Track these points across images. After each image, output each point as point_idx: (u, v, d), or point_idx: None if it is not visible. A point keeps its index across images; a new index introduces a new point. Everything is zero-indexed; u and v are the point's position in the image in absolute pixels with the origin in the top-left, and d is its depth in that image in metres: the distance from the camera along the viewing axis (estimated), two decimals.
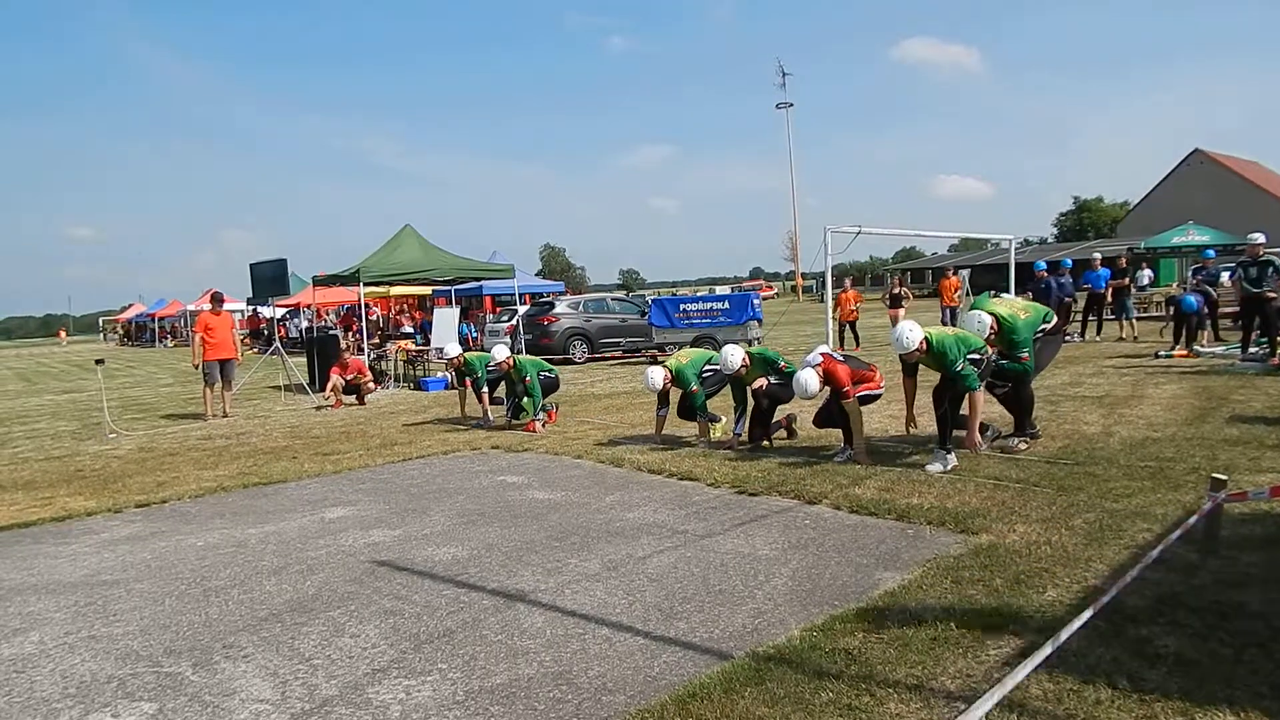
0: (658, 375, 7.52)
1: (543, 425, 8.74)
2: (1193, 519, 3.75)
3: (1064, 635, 2.83)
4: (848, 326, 17.60)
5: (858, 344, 17.11)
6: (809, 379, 6.31)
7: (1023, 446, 6.15)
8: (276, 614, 3.81)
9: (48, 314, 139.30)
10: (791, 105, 36.22)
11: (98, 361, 12.13)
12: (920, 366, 6.17)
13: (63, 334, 76.60)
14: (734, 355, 7.21)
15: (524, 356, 9.61)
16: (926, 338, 5.83)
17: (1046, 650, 2.75)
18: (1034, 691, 2.63)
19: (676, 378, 7.57)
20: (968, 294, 29.07)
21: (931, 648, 2.99)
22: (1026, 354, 6.18)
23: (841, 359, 6.55)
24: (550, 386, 9.10)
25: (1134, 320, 15.73)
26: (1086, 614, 2.96)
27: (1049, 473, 5.41)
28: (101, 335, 73.22)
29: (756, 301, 16.94)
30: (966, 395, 5.82)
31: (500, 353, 9.06)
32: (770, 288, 75.55)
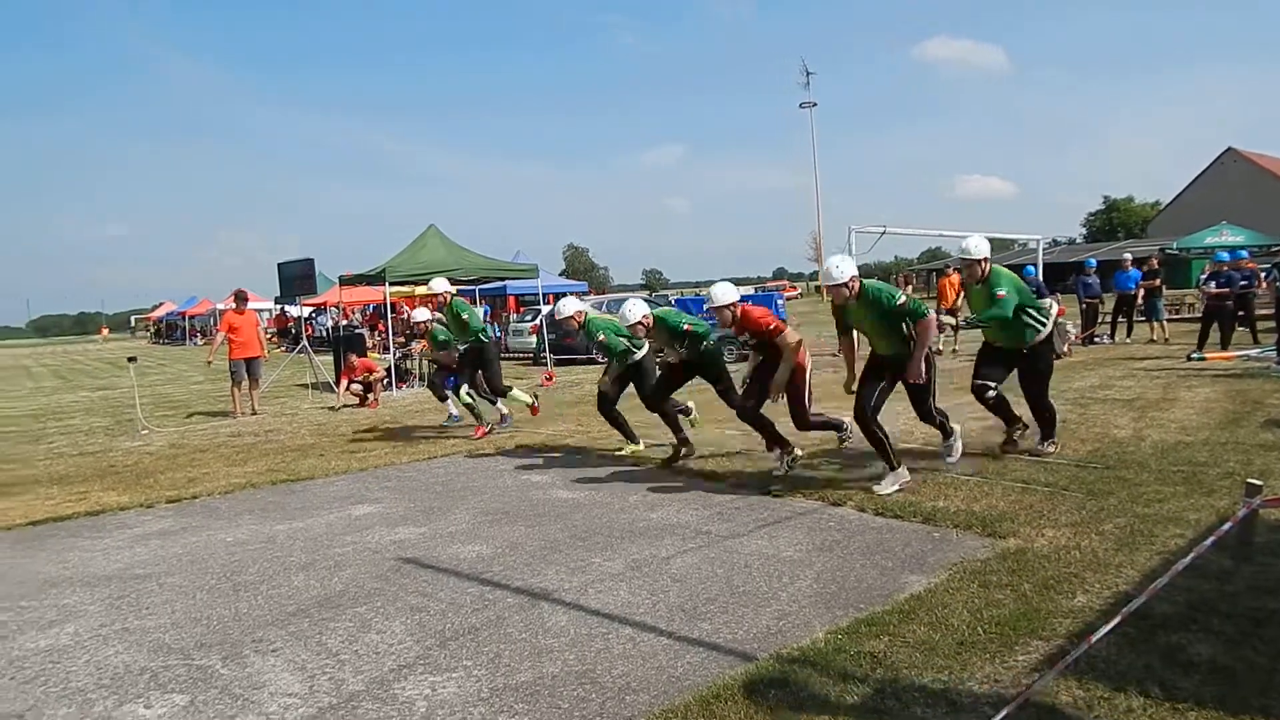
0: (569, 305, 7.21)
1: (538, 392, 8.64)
2: (1227, 525, 3.67)
3: (1093, 639, 2.80)
4: None
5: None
6: (723, 287, 5.89)
7: (1051, 450, 6.02)
8: (304, 609, 3.86)
9: (81, 312, 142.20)
10: (815, 105, 36.06)
11: (130, 359, 12.34)
12: (857, 335, 5.68)
13: (105, 331, 78.27)
14: (634, 308, 6.56)
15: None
16: (861, 281, 5.28)
17: (1073, 655, 2.71)
18: (1064, 698, 2.60)
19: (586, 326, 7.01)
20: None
21: (958, 652, 2.96)
22: (1004, 292, 5.60)
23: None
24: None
25: (1165, 322, 15.47)
26: (1116, 619, 2.92)
27: (1078, 476, 5.34)
28: (132, 333, 74.71)
29: (780, 302, 16.90)
30: (917, 324, 5.22)
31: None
32: (794, 288, 75.16)
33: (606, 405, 7.16)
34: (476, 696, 2.91)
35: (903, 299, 5.23)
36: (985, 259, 5.64)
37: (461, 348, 8.95)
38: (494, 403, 8.95)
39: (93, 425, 11.76)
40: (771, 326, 5.67)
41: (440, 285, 8.90)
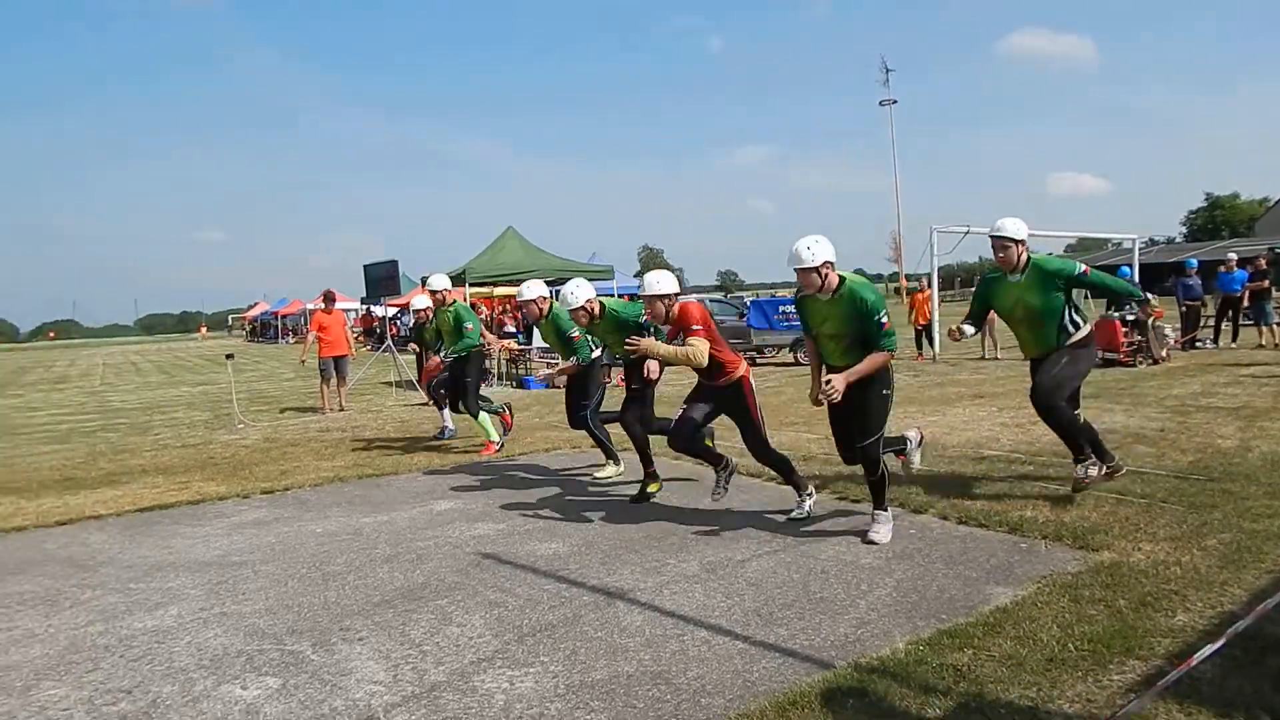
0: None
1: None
2: None
3: (1195, 661, 2.66)
4: (922, 331, 16.18)
5: (931, 350, 16.01)
6: (659, 274, 5.08)
7: (1092, 473, 4.89)
8: (389, 600, 3.99)
9: (183, 311, 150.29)
10: (895, 102, 35.06)
11: (228, 356, 12.98)
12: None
13: (204, 329, 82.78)
14: (578, 290, 5.63)
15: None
16: (841, 276, 4.42)
17: (1173, 676, 2.58)
18: None
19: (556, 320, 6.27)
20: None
21: (1048, 669, 2.85)
22: (1096, 278, 4.96)
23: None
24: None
25: (1275, 326, 14.54)
26: (1221, 640, 2.77)
27: (1178, 489, 5.07)
28: (228, 331, 78.79)
29: None
30: (876, 353, 4.32)
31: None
32: None
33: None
34: (553, 692, 2.95)
35: (885, 319, 4.29)
36: (1023, 241, 4.91)
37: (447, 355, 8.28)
38: (443, 410, 8.69)
39: (193, 419, 12.40)
40: (695, 325, 4.82)
41: (440, 282, 8.36)
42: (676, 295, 5.07)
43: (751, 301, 19.04)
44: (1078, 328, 4.95)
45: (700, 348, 4.80)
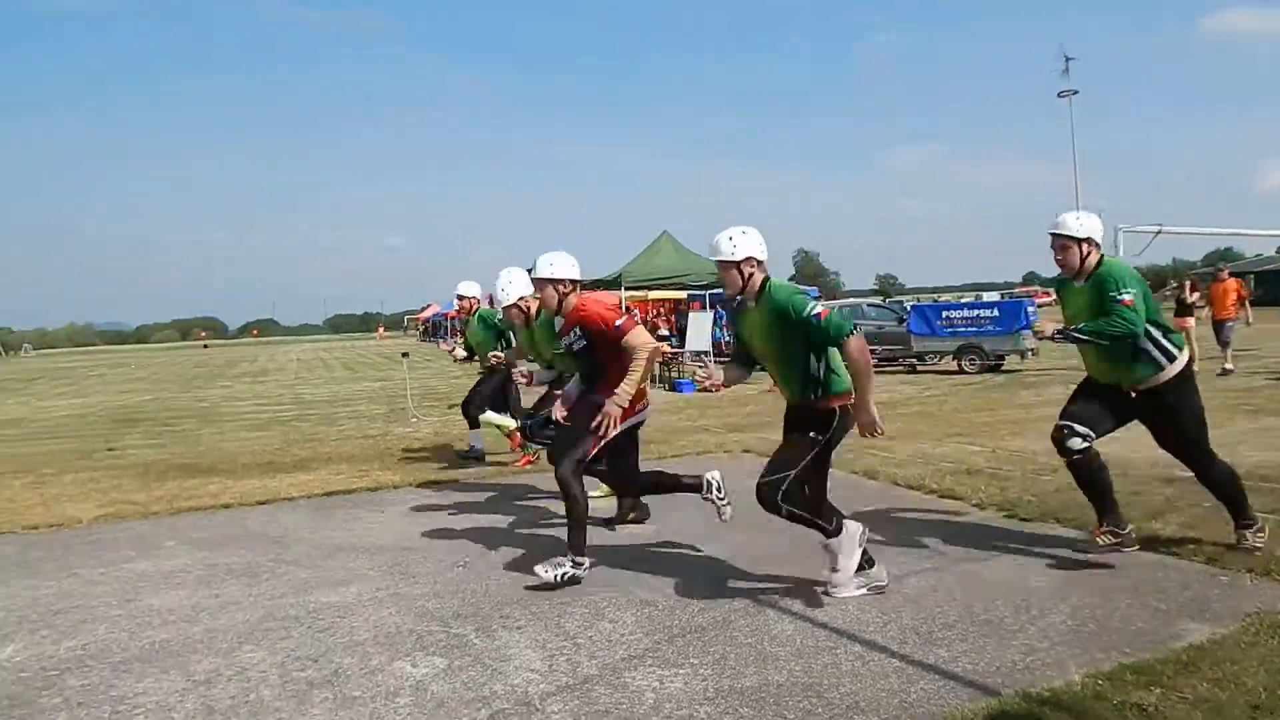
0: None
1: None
2: None
3: None
4: None
5: None
6: (549, 257, 4.20)
7: (1256, 542, 4.08)
8: (545, 592, 4.14)
9: (365, 312, 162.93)
10: (1075, 93, 32.15)
11: (403, 355, 13.96)
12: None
13: (381, 329, 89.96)
14: (513, 283, 4.99)
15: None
16: (766, 278, 3.71)
17: None
18: None
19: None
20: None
21: (1253, 717, 2.56)
22: (1130, 296, 3.85)
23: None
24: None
25: None
26: None
27: None
28: (404, 331, 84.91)
29: (1031, 309, 15.53)
30: (841, 349, 3.52)
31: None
32: (1046, 294, 68.41)
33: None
34: (703, 695, 2.96)
35: (819, 309, 3.52)
36: (1090, 241, 4.01)
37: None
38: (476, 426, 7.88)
39: (373, 412, 13.42)
40: (619, 323, 4.04)
41: (468, 289, 7.85)
42: (575, 284, 4.30)
43: (913, 306, 18.29)
44: (1171, 359, 3.94)
45: (641, 342, 4.02)
